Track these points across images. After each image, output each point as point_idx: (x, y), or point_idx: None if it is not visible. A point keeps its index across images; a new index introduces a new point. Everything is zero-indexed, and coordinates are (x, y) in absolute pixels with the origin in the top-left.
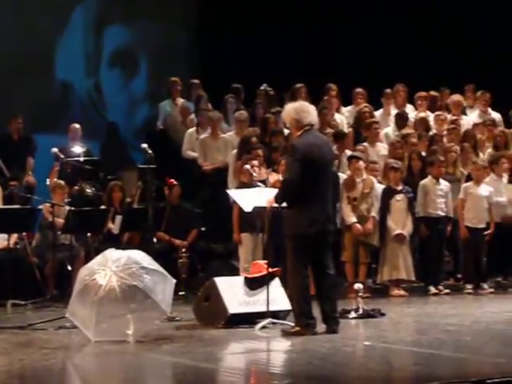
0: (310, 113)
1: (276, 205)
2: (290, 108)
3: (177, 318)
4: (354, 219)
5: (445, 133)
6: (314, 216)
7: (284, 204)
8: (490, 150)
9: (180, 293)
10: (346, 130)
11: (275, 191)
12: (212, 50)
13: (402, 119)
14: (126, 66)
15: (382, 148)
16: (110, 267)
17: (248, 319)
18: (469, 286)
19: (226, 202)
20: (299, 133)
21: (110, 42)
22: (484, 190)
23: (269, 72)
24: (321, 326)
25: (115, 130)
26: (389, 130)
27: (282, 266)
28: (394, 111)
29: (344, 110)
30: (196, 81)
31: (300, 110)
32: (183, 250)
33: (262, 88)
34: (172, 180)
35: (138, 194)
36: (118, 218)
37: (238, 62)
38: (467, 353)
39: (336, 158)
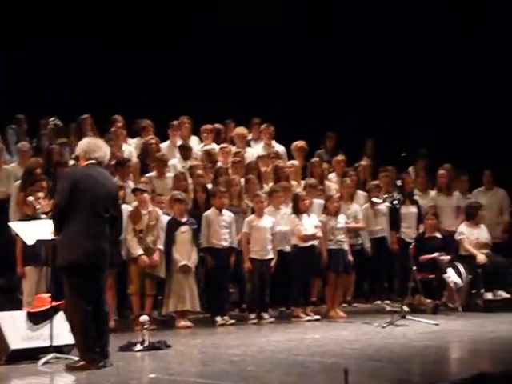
0: (102, 149)
1: (54, 236)
2: (84, 140)
3: None
4: (141, 251)
5: (230, 165)
6: (86, 247)
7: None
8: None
9: None
10: (133, 160)
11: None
12: None
13: (186, 150)
14: None
15: (170, 180)
16: None
17: (31, 355)
18: (253, 316)
19: (9, 235)
20: (83, 164)
21: None
22: (266, 221)
23: (53, 102)
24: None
25: None
26: (175, 161)
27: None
28: (180, 143)
29: (131, 141)
30: None
31: (93, 144)
32: None
33: (50, 121)
34: None
35: None
36: None
37: (22, 91)
38: (251, 382)
39: (117, 194)
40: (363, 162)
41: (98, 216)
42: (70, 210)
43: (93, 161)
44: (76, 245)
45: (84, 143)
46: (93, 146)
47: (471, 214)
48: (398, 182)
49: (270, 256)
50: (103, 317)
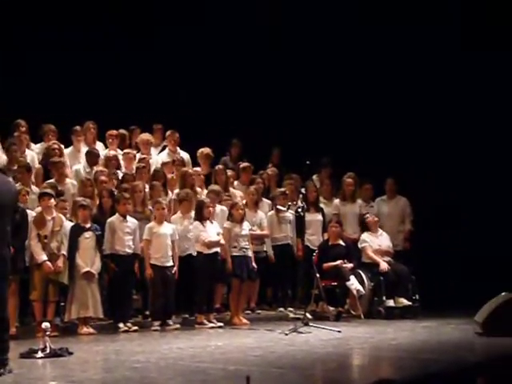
0: None
1: None
2: None
3: None
4: (45, 257)
5: (134, 171)
6: None
7: None
8: (177, 190)
9: None
10: (36, 166)
11: None
12: None
13: (92, 156)
14: None
15: (71, 185)
16: None
17: None
18: (156, 323)
19: None
20: None
21: None
22: (167, 228)
23: None
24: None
25: None
26: (80, 166)
27: None
28: (84, 148)
29: (34, 146)
30: None
31: None
32: None
33: None
34: None
35: None
36: None
37: None
38: None
39: (18, 198)
40: (269, 170)
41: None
42: None
43: None
44: None
45: None
46: None
47: (362, 224)
48: (303, 190)
49: (171, 263)
50: (3, 323)
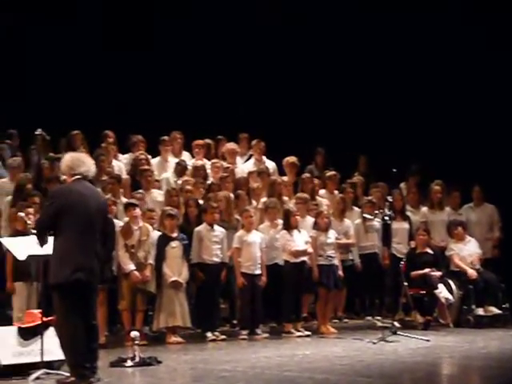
0: (86, 164)
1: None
2: (67, 156)
3: None
4: (133, 266)
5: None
6: (75, 265)
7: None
8: (264, 199)
9: None
10: (123, 176)
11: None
12: None
13: (181, 167)
14: None
15: (159, 195)
16: None
17: (21, 370)
18: (244, 332)
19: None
20: (70, 180)
21: None
22: (256, 236)
23: (44, 117)
24: None
25: None
26: (168, 175)
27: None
28: (171, 158)
29: (122, 157)
30: None
31: (76, 159)
32: None
33: (37, 133)
34: None
35: None
36: None
37: (14, 106)
38: None
39: (106, 209)
40: (356, 179)
41: (87, 232)
42: (59, 228)
43: (78, 176)
44: (65, 263)
45: (67, 159)
46: (76, 162)
47: (450, 231)
48: (389, 198)
49: (259, 271)
50: (93, 332)
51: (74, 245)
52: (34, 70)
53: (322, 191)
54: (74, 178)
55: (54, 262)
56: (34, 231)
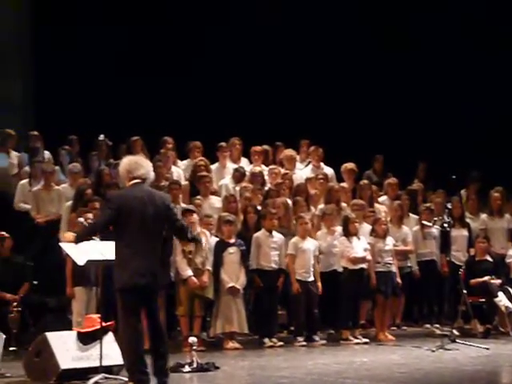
0: (144, 167)
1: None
2: (125, 159)
3: (7, 375)
4: (190, 272)
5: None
6: (136, 269)
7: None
8: (321, 206)
9: (10, 348)
10: (182, 182)
11: (110, 244)
12: (48, 101)
13: (239, 174)
14: None
15: (216, 201)
16: None
17: (80, 375)
18: (301, 339)
19: (59, 255)
20: (129, 184)
21: None
22: (310, 243)
23: (106, 123)
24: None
25: None
26: (227, 181)
27: (116, 320)
28: (229, 164)
29: (180, 163)
30: (35, 132)
31: (134, 162)
32: (14, 304)
33: (100, 139)
34: (3, 232)
35: None
36: None
37: (75, 112)
38: None
39: (169, 209)
40: (415, 185)
41: (147, 236)
42: (119, 232)
43: (137, 180)
44: (124, 268)
45: (125, 163)
46: (134, 165)
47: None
48: (448, 205)
49: (312, 278)
50: (160, 337)
51: (132, 249)
52: (94, 76)
53: (383, 198)
54: (132, 182)
55: (116, 267)
56: (84, 230)
